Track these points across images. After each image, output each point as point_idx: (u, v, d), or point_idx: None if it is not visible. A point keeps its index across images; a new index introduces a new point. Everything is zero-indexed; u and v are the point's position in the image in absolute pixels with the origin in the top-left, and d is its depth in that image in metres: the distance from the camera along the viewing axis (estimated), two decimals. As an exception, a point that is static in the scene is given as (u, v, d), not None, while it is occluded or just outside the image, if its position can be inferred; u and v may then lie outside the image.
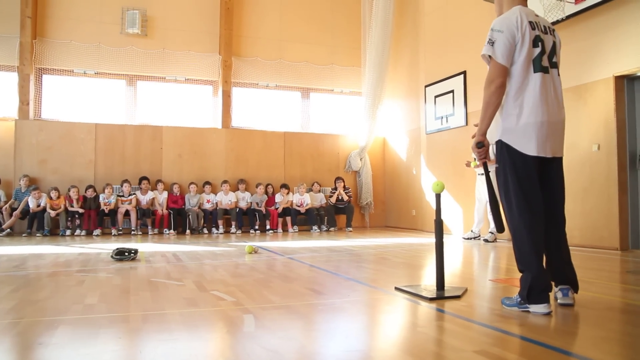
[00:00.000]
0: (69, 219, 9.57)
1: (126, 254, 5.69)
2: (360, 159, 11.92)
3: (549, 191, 3.12)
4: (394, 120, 12.01)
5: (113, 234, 9.62)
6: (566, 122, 3.20)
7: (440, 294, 3.47)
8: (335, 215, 11.15)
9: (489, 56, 3.04)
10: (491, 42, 3.02)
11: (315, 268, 5.08)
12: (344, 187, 11.37)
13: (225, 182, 10.65)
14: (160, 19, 11.10)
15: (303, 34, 12.17)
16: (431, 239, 7.81)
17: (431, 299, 3.37)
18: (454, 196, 9.50)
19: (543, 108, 2.98)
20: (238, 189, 10.78)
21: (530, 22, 3.04)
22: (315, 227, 10.70)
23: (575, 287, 3.13)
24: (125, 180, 10.00)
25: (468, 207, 8.94)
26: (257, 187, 10.79)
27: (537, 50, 3.02)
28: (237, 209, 10.45)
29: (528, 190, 2.98)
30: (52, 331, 2.63)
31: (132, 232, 9.80)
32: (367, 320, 3.11)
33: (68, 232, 9.49)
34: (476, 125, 3.18)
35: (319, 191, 11.35)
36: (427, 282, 4.12)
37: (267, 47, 11.87)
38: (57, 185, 9.64)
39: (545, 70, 3.03)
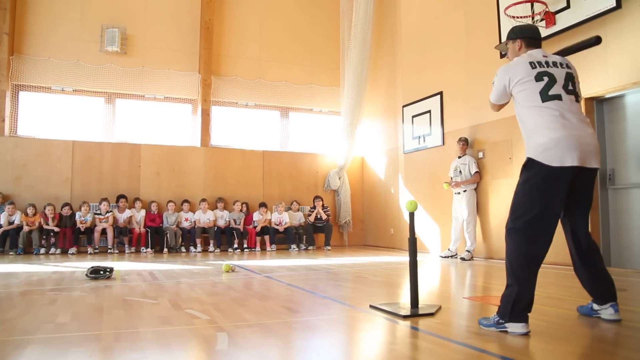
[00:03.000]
0: (44, 237, 9.40)
1: (101, 272, 5.61)
2: (339, 178, 11.98)
3: (577, 207, 3.20)
4: (373, 140, 12.13)
5: (89, 252, 9.48)
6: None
7: (414, 312, 3.50)
8: (313, 234, 11.15)
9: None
10: (494, 84, 3.41)
11: (292, 287, 5.07)
12: (323, 205, 11.41)
13: (203, 200, 10.60)
14: (140, 37, 11.12)
15: (282, 54, 12.28)
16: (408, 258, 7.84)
17: (405, 317, 3.40)
18: (431, 215, 9.59)
19: (561, 123, 3.01)
20: (217, 208, 10.73)
21: (530, 63, 3.18)
22: (293, 246, 10.68)
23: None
24: (104, 199, 9.88)
25: (445, 226, 9.02)
26: (234, 204, 10.77)
27: (542, 83, 3.12)
28: (216, 228, 10.40)
29: (547, 204, 2.96)
30: (20, 351, 2.59)
31: (109, 251, 9.65)
32: (341, 338, 3.12)
33: (42, 250, 9.32)
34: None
35: (298, 210, 11.37)
36: (404, 300, 4.14)
37: (246, 66, 11.95)
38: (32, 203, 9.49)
39: (555, 97, 3.09)
